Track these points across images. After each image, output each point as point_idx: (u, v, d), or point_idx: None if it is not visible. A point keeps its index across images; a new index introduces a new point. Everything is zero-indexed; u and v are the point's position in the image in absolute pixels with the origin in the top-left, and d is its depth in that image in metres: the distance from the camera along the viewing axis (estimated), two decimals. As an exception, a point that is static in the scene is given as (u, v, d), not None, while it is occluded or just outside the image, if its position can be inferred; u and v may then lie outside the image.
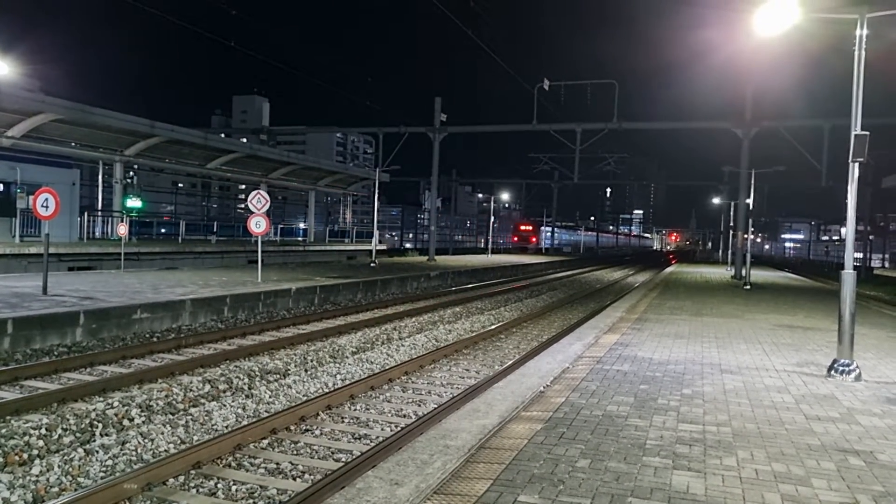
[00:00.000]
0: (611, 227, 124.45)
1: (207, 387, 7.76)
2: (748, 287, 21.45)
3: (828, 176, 28.14)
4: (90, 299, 11.33)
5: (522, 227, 63.92)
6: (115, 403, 6.79)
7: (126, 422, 6.42)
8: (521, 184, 69.27)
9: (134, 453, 5.65)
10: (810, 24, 7.52)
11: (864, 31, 7.20)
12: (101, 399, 7.02)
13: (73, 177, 20.54)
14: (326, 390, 8.03)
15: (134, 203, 24.65)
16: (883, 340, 10.31)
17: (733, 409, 5.68)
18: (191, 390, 7.55)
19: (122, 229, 18.47)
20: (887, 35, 7.68)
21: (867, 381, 7.03)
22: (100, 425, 6.21)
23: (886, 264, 34.61)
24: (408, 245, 50.18)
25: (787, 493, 3.82)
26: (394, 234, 52.19)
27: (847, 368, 7.12)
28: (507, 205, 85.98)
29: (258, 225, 16.15)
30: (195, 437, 6.16)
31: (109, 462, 5.43)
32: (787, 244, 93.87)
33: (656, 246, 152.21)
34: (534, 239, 63.54)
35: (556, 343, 10.01)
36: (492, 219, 48.13)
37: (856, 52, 7.26)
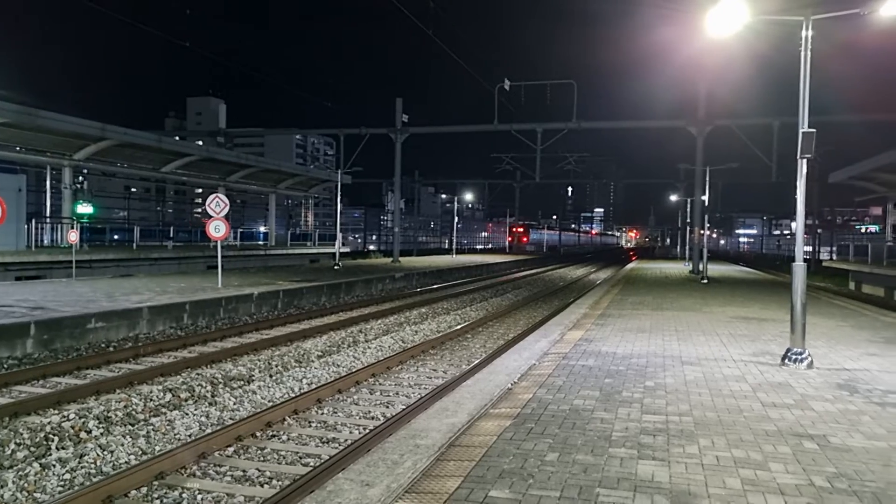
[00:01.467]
0: (573, 226, 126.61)
1: (168, 396, 7.57)
2: (705, 281, 22.08)
3: (778, 172, 29.17)
4: (41, 309, 10.91)
5: (515, 229, 68.87)
6: (71, 416, 6.56)
7: (83, 434, 6.21)
8: (484, 184, 69.84)
9: (93, 466, 5.47)
10: (760, 25, 7.79)
11: (810, 33, 7.50)
12: (56, 412, 6.77)
13: (19, 182, 19.66)
14: (292, 395, 7.93)
15: (85, 209, 23.77)
16: (833, 329, 10.74)
17: (694, 399, 5.84)
18: (151, 400, 7.35)
19: (73, 236, 17.83)
20: (831, 36, 8.02)
21: (819, 369, 7.31)
22: (56, 439, 5.99)
23: (834, 256, 36.11)
24: (371, 247, 49.85)
25: (747, 477, 3.95)
26: (357, 236, 51.76)
27: (800, 357, 7.40)
28: (470, 205, 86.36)
29: (217, 229, 15.81)
30: (157, 448, 6.00)
31: (67, 476, 5.24)
32: (742, 239, 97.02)
33: (622, 243, 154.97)
34: (525, 239, 69.48)
35: (522, 340, 10.11)
36: (455, 219, 48.26)
37: (801, 53, 7.55)
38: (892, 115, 27.64)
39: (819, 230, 48.23)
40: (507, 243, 68.08)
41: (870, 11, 7.19)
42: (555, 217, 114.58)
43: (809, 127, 7.49)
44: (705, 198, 27.07)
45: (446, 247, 54.10)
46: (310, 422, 6.87)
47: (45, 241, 21.38)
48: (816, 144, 7.58)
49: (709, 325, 11.00)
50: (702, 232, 27.58)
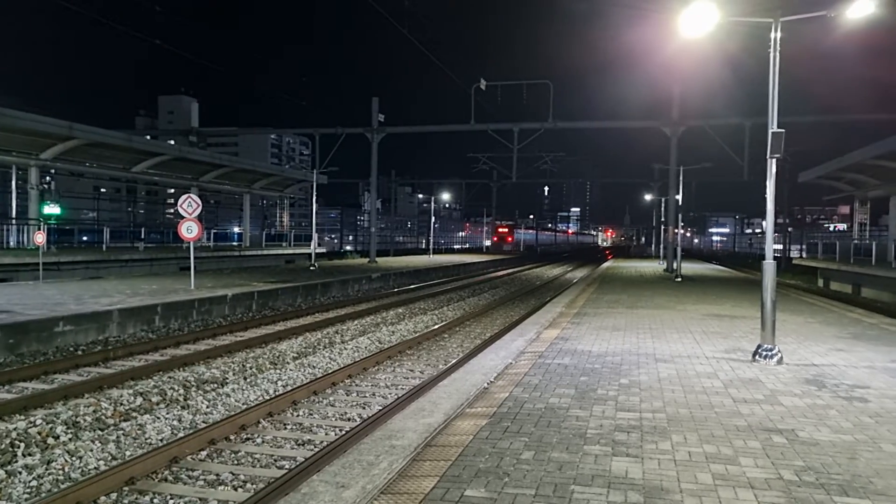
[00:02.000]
0: (549, 225, 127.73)
1: (139, 399, 7.42)
2: (679, 279, 22.40)
3: (749, 172, 29.68)
4: (6, 313, 10.62)
5: (500, 229, 68.66)
6: (38, 421, 6.39)
7: (51, 440, 6.05)
8: (461, 183, 69.83)
9: (61, 473, 5.34)
10: (731, 26, 7.93)
11: (779, 35, 7.64)
12: (23, 417, 6.61)
13: (-16, 183, 19.17)
14: (267, 397, 7.84)
15: (52, 210, 23.17)
16: (802, 325, 10.98)
17: (667, 396, 5.92)
18: (121, 404, 7.20)
19: (40, 238, 17.38)
20: (800, 38, 8.19)
21: (788, 364, 7.47)
22: (22, 445, 5.83)
23: (804, 254, 36.93)
24: (348, 247, 49.54)
25: (718, 472, 4.01)
26: (333, 236, 51.36)
27: (770, 353, 7.55)
28: (447, 205, 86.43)
29: (190, 230, 15.56)
30: (128, 453, 5.88)
31: (34, 483, 5.11)
32: (715, 238, 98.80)
33: (600, 242, 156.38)
34: (510, 238, 69.25)
35: (498, 340, 10.14)
36: (432, 219, 48.24)
37: (771, 54, 7.70)
38: (859, 116, 28.36)
39: (789, 229, 49.27)
40: (484, 243, 68.21)
41: (837, 14, 7.36)
42: (531, 216, 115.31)
43: (779, 127, 7.64)
44: (679, 197, 27.46)
45: (423, 247, 54.04)
46: (285, 424, 6.80)
47: (11, 243, 20.80)
48: (786, 144, 7.72)
49: (682, 322, 11.15)
50: (676, 231, 27.97)
